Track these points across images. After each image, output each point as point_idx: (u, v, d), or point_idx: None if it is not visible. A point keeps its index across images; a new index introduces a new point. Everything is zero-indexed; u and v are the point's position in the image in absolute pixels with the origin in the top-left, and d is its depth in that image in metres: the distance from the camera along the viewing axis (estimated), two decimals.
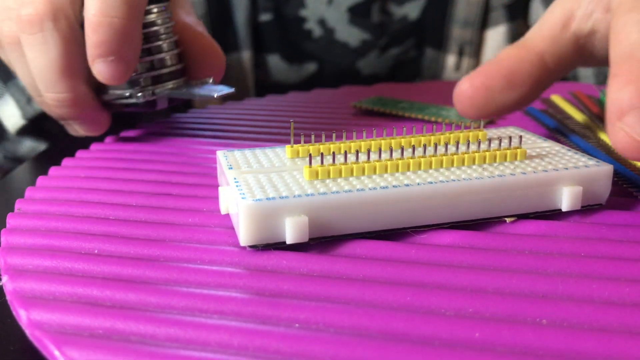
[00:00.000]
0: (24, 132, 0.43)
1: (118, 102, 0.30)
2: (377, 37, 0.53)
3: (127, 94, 0.29)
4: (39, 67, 0.27)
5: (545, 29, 0.26)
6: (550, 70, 0.26)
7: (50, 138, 0.44)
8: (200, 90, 0.29)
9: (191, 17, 0.33)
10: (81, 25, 0.27)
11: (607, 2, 0.24)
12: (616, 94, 0.19)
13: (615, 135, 0.19)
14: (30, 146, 0.44)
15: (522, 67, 0.26)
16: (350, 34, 0.53)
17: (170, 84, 0.30)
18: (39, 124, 0.43)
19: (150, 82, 0.30)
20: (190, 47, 0.31)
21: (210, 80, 0.30)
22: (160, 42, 0.30)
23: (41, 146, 0.44)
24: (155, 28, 0.29)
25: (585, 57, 0.27)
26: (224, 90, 0.28)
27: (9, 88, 0.42)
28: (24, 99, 0.42)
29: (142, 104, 0.30)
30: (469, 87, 0.26)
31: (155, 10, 0.29)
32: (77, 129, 0.31)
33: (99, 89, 0.30)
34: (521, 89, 0.26)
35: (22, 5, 0.27)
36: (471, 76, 0.26)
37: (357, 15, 0.52)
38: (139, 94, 0.29)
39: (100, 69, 0.27)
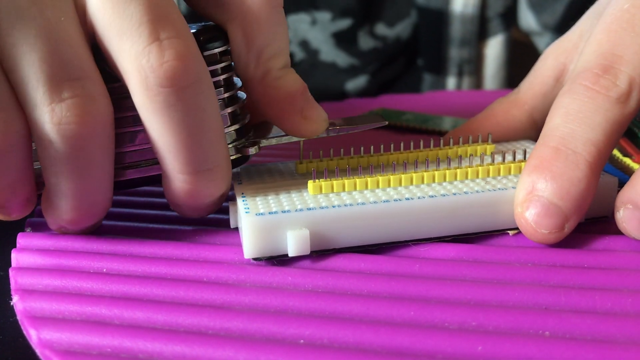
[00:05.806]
0: None
1: None
2: (367, 63, 0.52)
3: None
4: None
5: (537, 83, 0.26)
6: (538, 127, 0.26)
7: None
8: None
9: None
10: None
11: None
12: (523, 177, 0.20)
13: (518, 220, 0.20)
14: None
15: (510, 125, 0.26)
16: (337, 56, 0.52)
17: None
18: None
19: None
20: None
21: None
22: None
23: None
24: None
25: None
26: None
27: None
28: None
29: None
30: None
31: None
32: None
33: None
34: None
35: None
36: (457, 130, 0.26)
37: (343, 41, 0.51)
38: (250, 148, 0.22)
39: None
